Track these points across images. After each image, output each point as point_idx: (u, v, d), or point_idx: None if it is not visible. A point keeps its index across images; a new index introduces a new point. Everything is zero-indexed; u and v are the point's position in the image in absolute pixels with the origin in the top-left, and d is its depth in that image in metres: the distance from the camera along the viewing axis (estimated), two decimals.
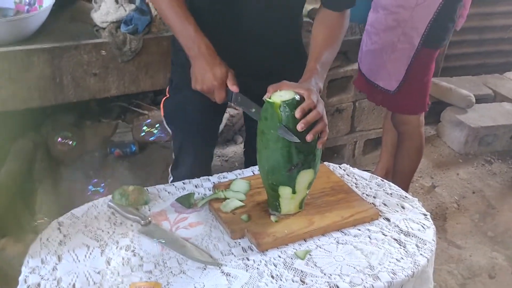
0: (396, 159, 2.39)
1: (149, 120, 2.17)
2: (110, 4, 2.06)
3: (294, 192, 1.25)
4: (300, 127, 1.15)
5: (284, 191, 1.25)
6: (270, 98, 1.20)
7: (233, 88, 1.30)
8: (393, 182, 1.50)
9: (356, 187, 1.47)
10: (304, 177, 1.24)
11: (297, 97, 1.19)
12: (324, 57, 1.40)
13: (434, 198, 2.75)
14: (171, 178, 1.79)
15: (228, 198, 1.33)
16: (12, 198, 2.25)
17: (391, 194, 1.45)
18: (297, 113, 1.16)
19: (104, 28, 2.07)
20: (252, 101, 1.29)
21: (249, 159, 1.86)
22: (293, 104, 1.17)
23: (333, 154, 2.92)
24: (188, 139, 1.68)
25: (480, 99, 3.30)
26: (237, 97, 1.31)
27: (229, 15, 1.46)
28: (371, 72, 2.19)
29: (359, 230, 1.29)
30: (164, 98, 1.68)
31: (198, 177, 1.47)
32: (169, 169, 1.83)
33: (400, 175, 2.37)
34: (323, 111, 1.21)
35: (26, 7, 2.12)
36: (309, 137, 1.18)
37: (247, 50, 1.50)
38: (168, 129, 1.73)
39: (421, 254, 1.21)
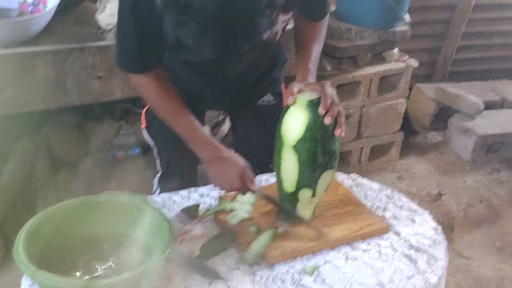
0: None
1: None
2: (115, 5, 2.03)
3: (314, 195, 1.23)
4: (328, 120, 1.16)
5: (304, 194, 1.23)
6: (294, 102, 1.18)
7: (254, 187, 1.30)
8: None
9: (366, 198, 1.43)
10: (325, 179, 1.24)
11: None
12: (313, 55, 1.41)
13: (441, 206, 2.70)
14: (158, 190, 1.69)
15: (235, 210, 1.29)
16: (14, 200, 2.22)
17: (401, 206, 1.41)
18: (322, 110, 1.16)
19: (109, 30, 2.04)
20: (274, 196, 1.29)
21: None
22: (319, 103, 1.17)
23: (339, 160, 2.88)
24: (175, 157, 1.61)
25: (488, 106, 3.25)
26: (259, 193, 1.31)
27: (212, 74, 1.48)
28: None
29: (369, 244, 1.26)
30: (146, 108, 1.56)
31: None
32: (155, 181, 1.72)
33: None
34: (338, 100, 1.20)
35: (30, 8, 2.08)
36: (338, 132, 1.19)
37: (232, 86, 1.54)
38: (151, 140, 1.64)
39: (432, 272, 1.18)
